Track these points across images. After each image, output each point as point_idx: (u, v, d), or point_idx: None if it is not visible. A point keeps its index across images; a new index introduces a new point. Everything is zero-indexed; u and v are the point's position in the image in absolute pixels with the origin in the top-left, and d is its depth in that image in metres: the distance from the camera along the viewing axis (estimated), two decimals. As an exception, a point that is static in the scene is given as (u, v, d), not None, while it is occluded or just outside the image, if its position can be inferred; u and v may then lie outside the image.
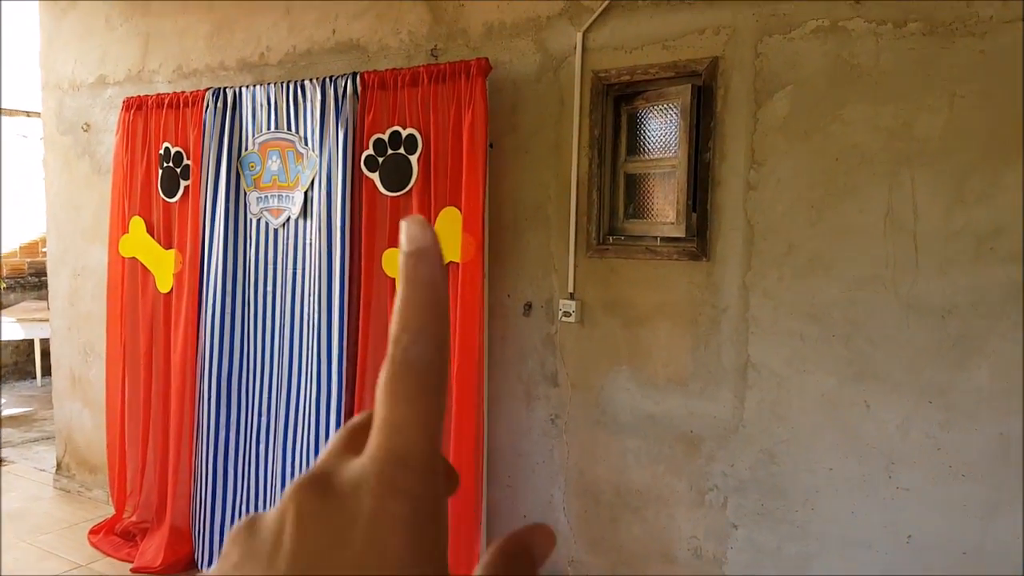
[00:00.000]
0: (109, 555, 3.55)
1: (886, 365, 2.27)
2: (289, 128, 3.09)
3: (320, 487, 0.24)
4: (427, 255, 0.26)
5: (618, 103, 2.67)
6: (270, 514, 0.25)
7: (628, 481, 2.75)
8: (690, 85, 2.45)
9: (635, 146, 2.70)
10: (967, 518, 2.20)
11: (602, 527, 2.82)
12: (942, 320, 2.18)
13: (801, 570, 2.45)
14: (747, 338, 2.48)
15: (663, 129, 2.62)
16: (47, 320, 4.67)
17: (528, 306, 2.88)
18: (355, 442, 0.27)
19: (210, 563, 3.26)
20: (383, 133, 2.83)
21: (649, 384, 2.67)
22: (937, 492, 2.23)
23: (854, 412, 2.33)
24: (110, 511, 3.80)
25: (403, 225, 0.27)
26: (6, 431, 5.58)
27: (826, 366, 2.36)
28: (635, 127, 2.69)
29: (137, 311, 3.63)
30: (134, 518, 3.65)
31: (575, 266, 2.76)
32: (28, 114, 7.25)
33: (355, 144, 2.90)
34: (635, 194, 2.73)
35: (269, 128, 3.15)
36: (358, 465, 0.25)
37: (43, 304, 6.90)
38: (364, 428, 0.26)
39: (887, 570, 2.31)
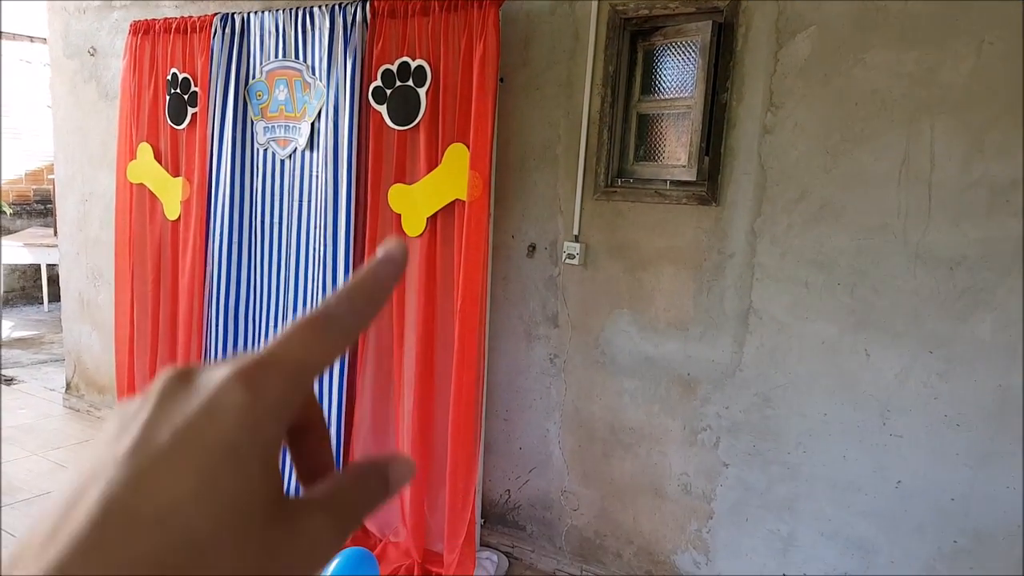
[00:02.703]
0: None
1: (889, 314, 2.15)
2: (297, 57, 2.88)
3: (184, 372, 0.25)
4: (393, 264, 0.28)
5: (635, 39, 2.48)
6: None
7: (622, 419, 2.65)
8: (711, 22, 2.25)
9: (650, 85, 2.51)
10: (958, 466, 2.12)
11: (595, 461, 2.74)
12: (950, 271, 2.06)
13: (788, 509, 2.37)
14: (751, 284, 2.35)
15: (680, 68, 2.43)
16: (54, 246, 4.47)
17: (532, 247, 2.74)
18: None
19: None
20: (392, 64, 2.63)
21: (649, 327, 2.55)
22: (931, 440, 2.14)
23: (853, 360, 2.22)
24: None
25: (384, 243, 0.28)
26: (16, 352, 5.44)
27: (828, 314, 2.24)
28: (651, 65, 2.50)
29: (145, 237, 3.48)
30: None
31: (581, 208, 2.61)
32: (32, 39, 6.88)
33: (363, 75, 2.70)
34: (647, 135, 2.55)
35: (277, 56, 2.94)
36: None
37: (49, 231, 6.69)
38: None
39: (874, 512, 2.23)
